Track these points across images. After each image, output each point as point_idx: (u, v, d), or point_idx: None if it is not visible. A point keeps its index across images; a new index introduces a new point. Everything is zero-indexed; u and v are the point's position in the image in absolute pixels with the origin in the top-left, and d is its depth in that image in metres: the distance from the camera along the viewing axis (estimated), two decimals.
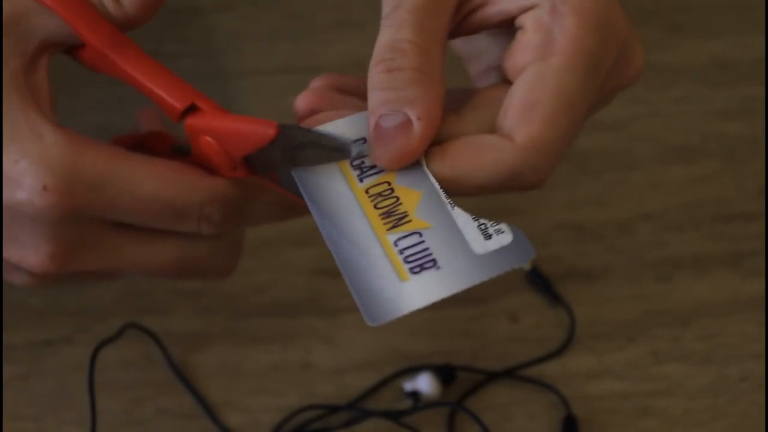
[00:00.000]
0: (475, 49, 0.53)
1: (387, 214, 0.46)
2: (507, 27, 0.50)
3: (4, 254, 0.49)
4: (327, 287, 0.68)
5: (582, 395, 0.64)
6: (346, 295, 0.67)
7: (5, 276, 0.51)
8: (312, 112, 0.49)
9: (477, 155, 0.46)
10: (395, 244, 0.45)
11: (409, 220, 0.45)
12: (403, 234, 0.45)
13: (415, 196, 0.46)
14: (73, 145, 0.47)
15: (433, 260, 0.44)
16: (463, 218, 0.45)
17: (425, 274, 0.44)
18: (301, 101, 0.50)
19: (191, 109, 0.48)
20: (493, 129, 0.47)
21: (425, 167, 0.46)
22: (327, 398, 0.64)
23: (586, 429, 0.63)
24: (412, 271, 0.44)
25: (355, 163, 0.47)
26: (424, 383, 0.64)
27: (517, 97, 0.47)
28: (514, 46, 0.48)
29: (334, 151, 0.47)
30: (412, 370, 0.65)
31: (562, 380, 0.65)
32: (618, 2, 0.49)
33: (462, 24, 0.50)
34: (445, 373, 0.65)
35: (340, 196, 0.46)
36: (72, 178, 0.47)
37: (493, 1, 0.49)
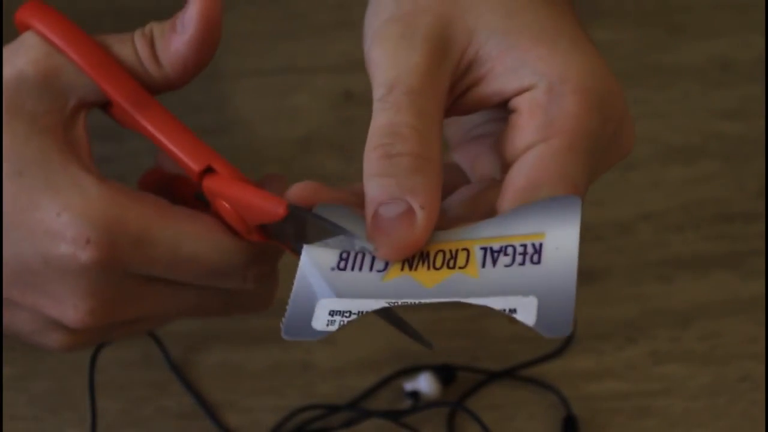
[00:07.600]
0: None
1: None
2: (501, 106, 0.48)
3: (42, 310, 0.48)
4: None
5: (582, 395, 0.64)
6: None
7: (37, 342, 0.50)
8: (305, 202, 0.48)
9: None
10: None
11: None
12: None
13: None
14: (117, 198, 0.46)
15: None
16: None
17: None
18: (295, 192, 0.48)
19: (209, 170, 0.48)
20: None
21: None
22: (327, 398, 0.64)
23: (586, 429, 0.63)
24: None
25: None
26: (424, 383, 0.64)
27: (518, 180, 0.45)
28: (511, 129, 0.46)
29: (340, 233, 0.46)
30: (412, 370, 0.65)
31: (562, 380, 0.65)
32: (614, 78, 0.47)
33: (456, 104, 0.48)
34: (445, 373, 0.65)
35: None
36: (115, 234, 0.45)
37: (487, 81, 0.47)
